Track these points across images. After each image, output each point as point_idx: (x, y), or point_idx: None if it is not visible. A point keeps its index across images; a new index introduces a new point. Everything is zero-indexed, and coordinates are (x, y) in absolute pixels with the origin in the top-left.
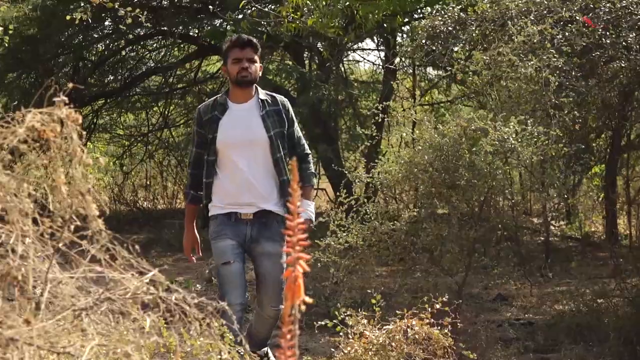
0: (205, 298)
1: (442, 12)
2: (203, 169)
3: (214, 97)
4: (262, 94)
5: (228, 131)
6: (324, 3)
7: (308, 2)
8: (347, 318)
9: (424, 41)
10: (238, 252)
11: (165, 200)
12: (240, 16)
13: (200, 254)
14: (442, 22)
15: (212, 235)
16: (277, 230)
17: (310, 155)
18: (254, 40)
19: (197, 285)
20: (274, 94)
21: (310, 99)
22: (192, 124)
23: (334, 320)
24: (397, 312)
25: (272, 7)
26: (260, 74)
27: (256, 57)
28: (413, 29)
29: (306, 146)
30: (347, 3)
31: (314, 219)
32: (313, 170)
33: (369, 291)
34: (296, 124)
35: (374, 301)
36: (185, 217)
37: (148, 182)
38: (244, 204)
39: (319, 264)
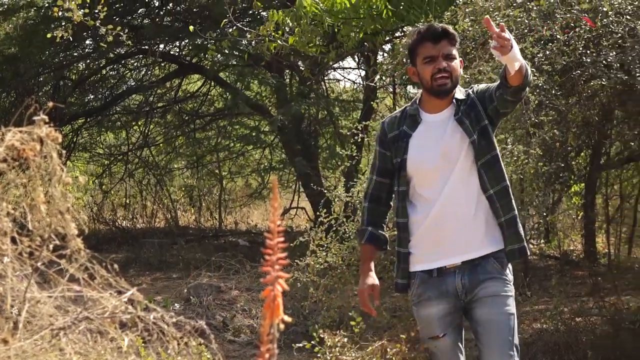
0: (184, 317)
1: None
2: (383, 204)
3: (403, 107)
4: (459, 92)
5: (420, 152)
6: (305, 22)
7: (289, 21)
8: (325, 338)
9: (404, 59)
10: (449, 321)
11: (145, 219)
12: (221, 35)
13: (379, 302)
14: None
15: (412, 300)
16: (494, 267)
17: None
18: (451, 29)
19: (176, 305)
20: (463, 89)
21: (290, 110)
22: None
23: (312, 342)
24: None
25: (254, 26)
26: (462, 72)
27: (455, 52)
28: (394, 47)
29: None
30: (329, 22)
31: (514, 46)
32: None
33: (352, 308)
34: (480, 85)
35: (354, 323)
36: (361, 260)
37: (127, 201)
38: (448, 253)
39: (298, 284)
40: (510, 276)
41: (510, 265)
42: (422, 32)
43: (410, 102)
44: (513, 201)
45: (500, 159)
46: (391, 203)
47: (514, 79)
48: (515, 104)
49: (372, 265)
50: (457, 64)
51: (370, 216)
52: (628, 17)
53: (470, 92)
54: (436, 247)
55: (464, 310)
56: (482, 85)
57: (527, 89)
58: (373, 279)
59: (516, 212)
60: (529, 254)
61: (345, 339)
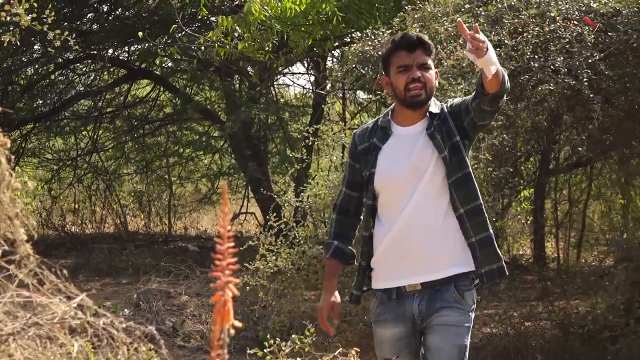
0: (133, 323)
1: (372, 37)
2: (352, 216)
3: (376, 119)
4: (433, 106)
5: (388, 166)
6: (254, 28)
7: (238, 27)
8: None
9: (354, 66)
10: (403, 344)
11: (94, 225)
12: (170, 40)
13: (338, 321)
14: (372, 47)
15: (371, 318)
16: (453, 296)
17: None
18: (426, 38)
19: (125, 310)
20: (438, 102)
21: (240, 117)
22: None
23: (264, 350)
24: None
25: (203, 31)
26: (437, 84)
27: (430, 62)
28: (344, 53)
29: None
30: (278, 29)
31: (489, 48)
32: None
33: (303, 311)
34: (455, 100)
35: (307, 333)
36: (325, 276)
37: (76, 207)
38: (408, 272)
39: (247, 288)
40: (470, 304)
41: (474, 292)
42: (397, 41)
43: (383, 113)
44: (487, 221)
45: (473, 177)
46: (361, 216)
47: (491, 85)
48: (493, 115)
49: (335, 281)
50: (432, 74)
51: (337, 228)
52: (575, 22)
53: (444, 107)
54: (398, 264)
55: (420, 334)
56: (457, 99)
57: (505, 97)
58: (335, 296)
59: (491, 231)
60: (507, 274)
61: (297, 346)
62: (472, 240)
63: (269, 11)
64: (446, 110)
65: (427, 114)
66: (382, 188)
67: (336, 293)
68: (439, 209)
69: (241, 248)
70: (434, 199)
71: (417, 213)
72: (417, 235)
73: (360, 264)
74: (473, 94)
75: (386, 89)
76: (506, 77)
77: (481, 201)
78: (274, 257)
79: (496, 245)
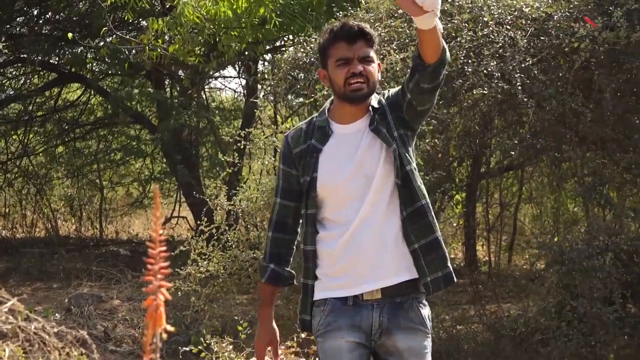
0: (65, 327)
1: (305, 44)
2: (289, 231)
3: (309, 118)
4: (374, 100)
5: (332, 169)
6: (184, 30)
7: (169, 30)
8: (212, 344)
9: (286, 72)
10: (358, 355)
11: (24, 229)
12: (102, 43)
13: (279, 357)
14: (304, 54)
15: (318, 330)
16: (417, 315)
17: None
18: (368, 28)
19: (57, 315)
20: (377, 96)
21: (171, 126)
22: (277, 160)
23: (199, 347)
24: None
25: (134, 34)
26: (380, 77)
27: (372, 54)
28: (276, 60)
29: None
30: (210, 31)
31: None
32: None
33: (235, 317)
34: (392, 90)
35: (240, 328)
36: (259, 302)
37: (7, 211)
38: (365, 278)
39: (179, 293)
40: (429, 323)
41: (428, 309)
42: (336, 31)
43: (317, 112)
44: (433, 222)
45: (416, 173)
46: (298, 229)
47: (428, 48)
48: (433, 95)
49: (272, 310)
50: (374, 67)
51: (274, 248)
52: (508, 27)
53: (382, 99)
54: (352, 272)
55: (373, 354)
56: (393, 89)
57: (445, 70)
58: (272, 329)
59: (438, 234)
60: (455, 280)
61: (231, 346)
62: (414, 246)
63: (202, 13)
64: (384, 102)
65: (370, 109)
66: (326, 194)
67: (273, 325)
68: (391, 213)
69: (173, 252)
70: (385, 203)
71: (368, 221)
72: (370, 242)
73: (305, 285)
74: (409, 73)
75: (323, 83)
76: (445, 45)
77: (426, 200)
78: (205, 262)
79: (444, 250)
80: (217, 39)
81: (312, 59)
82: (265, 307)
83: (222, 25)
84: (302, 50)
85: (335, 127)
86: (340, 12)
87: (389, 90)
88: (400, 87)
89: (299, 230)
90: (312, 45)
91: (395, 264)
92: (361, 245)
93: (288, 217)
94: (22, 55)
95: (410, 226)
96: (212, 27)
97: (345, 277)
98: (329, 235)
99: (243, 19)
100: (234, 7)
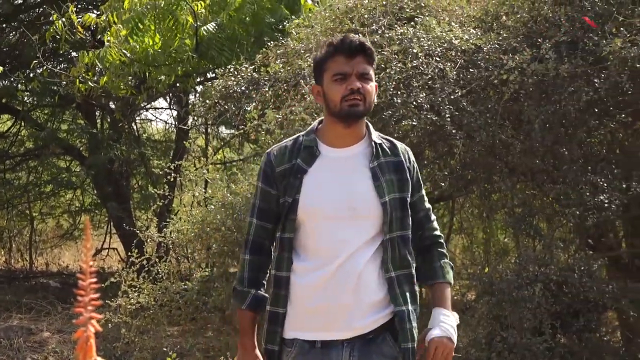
0: None
1: (235, 73)
2: (266, 254)
3: (295, 136)
4: (376, 135)
5: (317, 193)
6: (116, 63)
7: (98, 63)
8: None
9: (217, 101)
10: None
11: None
12: (32, 75)
13: None
14: (235, 83)
15: None
16: (390, 350)
17: (441, 236)
18: (368, 43)
19: None
20: (391, 139)
21: (101, 159)
22: (256, 178)
23: None
24: None
25: (65, 65)
26: (376, 100)
27: (372, 72)
28: (206, 89)
29: (436, 222)
30: (136, 70)
31: (455, 338)
32: (449, 260)
33: (165, 349)
34: (423, 188)
35: (169, 359)
36: (240, 332)
37: None
38: (336, 321)
39: (110, 325)
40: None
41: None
42: (335, 44)
43: (304, 131)
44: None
45: (405, 243)
46: (271, 253)
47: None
48: None
49: (254, 339)
50: (372, 86)
51: (252, 272)
52: (437, 58)
53: (406, 154)
54: (324, 314)
55: None
56: (421, 194)
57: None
58: (256, 355)
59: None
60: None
61: None
62: (391, 274)
63: (127, 54)
64: (407, 164)
65: (371, 144)
66: (306, 218)
67: (257, 353)
68: (373, 258)
69: (104, 284)
70: (369, 243)
71: (354, 260)
72: (352, 285)
73: (272, 313)
74: (424, 225)
75: (316, 100)
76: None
77: (409, 271)
78: (136, 294)
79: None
80: (147, 74)
81: (243, 88)
82: (247, 336)
83: (150, 60)
84: (232, 79)
85: (323, 149)
86: (271, 42)
87: (416, 165)
88: (418, 200)
89: (272, 254)
90: (242, 74)
91: (374, 308)
92: (341, 288)
93: (265, 238)
94: None
95: (392, 255)
96: (137, 65)
97: (319, 319)
98: (306, 267)
99: (171, 55)
100: (152, 43)
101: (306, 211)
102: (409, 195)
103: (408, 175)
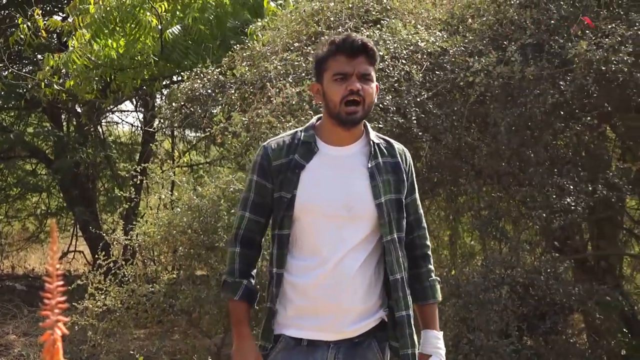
0: None
1: (202, 75)
2: (256, 248)
3: (293, 131)
4: (374, 134)
5: (315, 189)
6: (80, 68)
7: (63, 66)
8: None
9: (182, 103)
10: None
11: None
12: None
13: None
14: (201, 85)
15: None
16: (376, 356)
17: (430, 248)
18: (371, 43)
19: None
20: (389, 139)
21: (67, 163)
22: (249, 171)
23: None
24: None
25: (30, 68)
26: (376, 100)
27: (373, 73)
28: (172, 91)
29: (426, 230)
30: (99, 73)
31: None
32: (435, 277)
33: (131, 352)
34: (417, 191)
35: None
36: (233, 323)
37: None
38: (326, 322)
39: (76, 327)
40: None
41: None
42: (337, 43)
43: (302, 126)
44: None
45: (399, 246)
46: (261, 247)
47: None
48: None
49: (249, 328)
50: (373, 88)
51: (242, 264)
52: (404, 61)
53: (404, 156)
54: (315, 314)
55: None
56: (415, 197)
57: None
58: (254, 347)
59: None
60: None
61: None
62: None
63: (92, 58)
64: (404, 166)
65: (370, 143)
66: (304, 215)
67: (255, 343)
68: (374, 256)
69: (70, 287)
70: (363, 244)
71: (349, 261)
72: (348, 286)
73: (270, 308)
74: (416, 231)
75: (315, 98)
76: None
77: (402, 275)
78: (102, 296)
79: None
80: (112, 77)
81: (209, 91)
82: (242, 325)
83: (115, 64)
84: (198, 81)
85: (321, 146)
86: (237, 45)
87: (412, 168)
88: (411, 202)
89: (261, 251)
90: (209, 77)
91: (365, 313)
92: (336, 290)
93: (256, 233)
94: None
95: (395, 256)
96: (101, 69)
97: (309, 318)
98: (301, 265)
99: (136, 58)
100: (115, 46)
101: (303, 208)
102: (404, 197)
103: (404, 176)
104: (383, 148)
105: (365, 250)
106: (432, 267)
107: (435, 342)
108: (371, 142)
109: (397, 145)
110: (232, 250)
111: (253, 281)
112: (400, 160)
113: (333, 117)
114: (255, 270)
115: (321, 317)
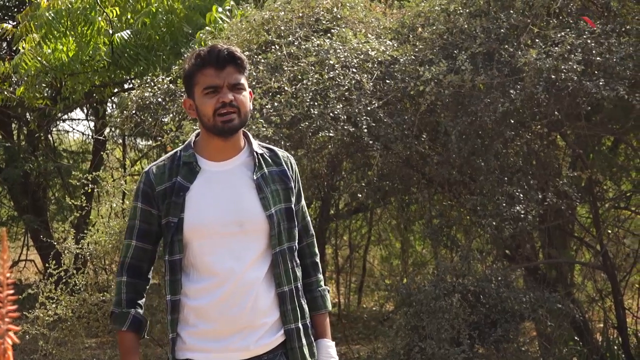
0: None
1: (152, 84)
2: (144, 277)
3: (172, 152)
4: (256, 144)
5: (202, 210)
6: (31, 72)
7: (14, 69)
8: None
9: (133, 112)
10: None
11: None
12: None
13: None
14: (152, 94)
15: None
16: None
17: (318, 255)
18: (238, 52)
19: None
20: (272, 147)
21: (17, 172)
22: (132, 197)
23: None
24: None
25: None
26: (252, 107)
27: (243, 81)
28: (122, 99)
29: (314, 238)
30: (50, 78)
31: None
32: (325, 286)
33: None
34: (303, 198)
35: None
36: (122, 354)
37: None
38: (233, 342)
39: (27, 336)
40: None
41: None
42: (203, 55)
43: (182, 145)
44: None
45: (292, 255)
46: (150, 276)
47: None
48: None
49: (139, 359)
50: (246, 96)
51: (129, 294)
52: (354, 70)
53: (289, 163)
54: (219, 336)
55: None
56: (301, 204)
57: None
58: None
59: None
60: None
61: None
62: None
63: (43, 62)
64: (290, 173)
65: (252, 154)
66: (195, 237)
67: None
68: (266, 274)
69: (21, 296)
70: (260, 258)
71: (247, 278)
72: (248, 306)
73: (172, 338)
74: (305, 238)
75: (189, 114)
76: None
77: (294, 285)
78: (54, 305)
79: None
80: (63, 83)
81: (160, 99)
82: (132, 355)
83: (66, 69)
84: (149, 89)
85: (203, 163)
86: (187, 53)
87: (298, 174)
88: (299, 209)
89: (150, 278)
90: (159, 85)
91: (271, 329)
92: (237, 309)
93: (144, 261)
94: None
95: (284, 268)
96: (53, 72)
97: (215, 343)
98: (200, 288)
99: (87, 63)
100: (66, 49)
101: (193, 229)
102: (294, 204)
103: (292, 184)
104: (267, 157)
105: (264, 263)
106: (321, 276)
107: (329, 350)
108: (254, 152)
109: (282, 153)
110: (119, 280)
111: (141, 310)
112: (286, 167)
113: (210, 130)
114: (143, 300)
115: (227, 338)
